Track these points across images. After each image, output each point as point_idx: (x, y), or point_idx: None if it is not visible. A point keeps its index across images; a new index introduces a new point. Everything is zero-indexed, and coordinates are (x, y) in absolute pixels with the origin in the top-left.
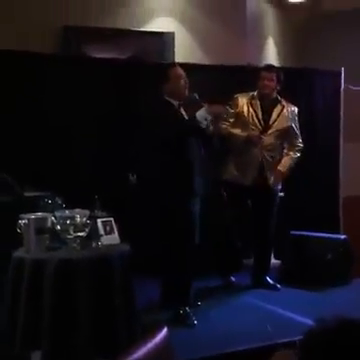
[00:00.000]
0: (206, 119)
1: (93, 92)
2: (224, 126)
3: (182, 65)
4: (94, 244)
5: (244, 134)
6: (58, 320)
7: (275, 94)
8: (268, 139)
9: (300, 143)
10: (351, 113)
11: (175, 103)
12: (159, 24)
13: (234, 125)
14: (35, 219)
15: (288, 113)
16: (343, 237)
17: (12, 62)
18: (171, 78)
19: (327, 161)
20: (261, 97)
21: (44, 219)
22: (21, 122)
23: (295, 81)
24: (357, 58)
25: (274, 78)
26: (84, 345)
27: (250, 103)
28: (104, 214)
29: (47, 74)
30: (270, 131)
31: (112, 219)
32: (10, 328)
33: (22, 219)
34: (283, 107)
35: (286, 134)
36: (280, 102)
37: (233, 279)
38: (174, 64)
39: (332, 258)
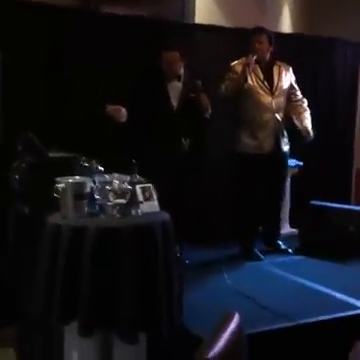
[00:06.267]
0: None
1: (122, 49)
2: (223, 87)
3: (203, 26)
4: (134, 211)
5: (240, 70)
6: (98, 290)
7: (268, 56)
8: (277, 100)
9: (303, 98)
10: None
11: None
12: None
13: (242, 94)
14: (73, 183)
15: (286, 72)
16: None
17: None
18: None
19: (343, 132)
20: (257, 61)
21: (82, 184)
22: (44, 79)
23: (315, 50)
24: None
25: (265, 40)
26: (125, 317)
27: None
28: (142, 180)
29: (73, 30)
30: (277, 92)
31: (151, 185)
32: (45, 298)
33: (59, 183)
34: (279, 67)
35: (288, 92)
36: (275, 63)
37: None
38: None
39: (355, 230)
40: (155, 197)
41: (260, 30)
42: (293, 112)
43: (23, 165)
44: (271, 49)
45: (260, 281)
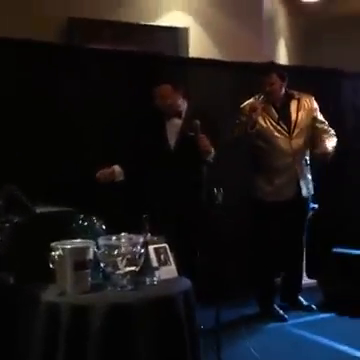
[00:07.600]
0: None
1: (113, 87)
2: (235, 131)
3: (198, 60)
4: (148, 280)
5: (245, 118)
6: None
7: (283, 91)
8: (296, 142)
9: (331, 130)
10: None
11: None
12: (172, 19)
13: (256, 139)
14: (73, 249)
15: (306, 104)
16: None
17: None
18: None
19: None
20: (270, 100)
21: (85, 249)
22: (27, 122)
23: (318, 81)
24: None
25: (275, 79)
26: None
27: (262, 109)
28: (156, 239)
29: (59, 68)
30: (296, 131)
31: (166, 245)
32: None
33: (55, 249)
34: (298, 100)
35: (312, 128)
36: (293, 96)
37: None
38: None
39: None
40: (172, 260)
41: (269, 70)
42: (316, 141)
43: (7, 225)
44: (284, 85)
45: (290, 349)
